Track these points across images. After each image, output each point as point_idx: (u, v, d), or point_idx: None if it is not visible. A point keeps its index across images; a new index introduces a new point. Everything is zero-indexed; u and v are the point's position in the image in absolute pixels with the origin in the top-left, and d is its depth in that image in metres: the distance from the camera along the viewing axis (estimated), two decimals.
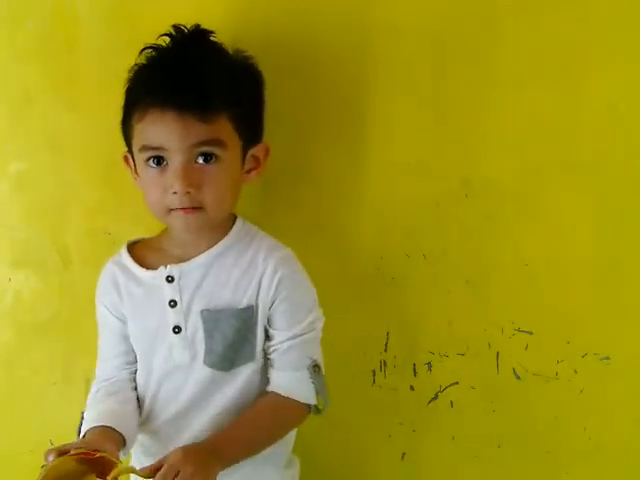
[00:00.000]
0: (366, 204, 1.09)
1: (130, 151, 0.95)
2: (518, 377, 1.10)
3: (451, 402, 1.13)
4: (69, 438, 1.18)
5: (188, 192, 0.88)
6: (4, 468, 1.22)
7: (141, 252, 1.00)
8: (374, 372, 1.13)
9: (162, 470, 0.80)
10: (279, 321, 0.96)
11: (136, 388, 1.00)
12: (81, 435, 0.91)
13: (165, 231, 1.01)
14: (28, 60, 1.10)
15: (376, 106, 1.06)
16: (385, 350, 1.13)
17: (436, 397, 1.13)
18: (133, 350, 0.99)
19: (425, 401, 1.13)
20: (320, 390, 0.97)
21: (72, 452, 0.81)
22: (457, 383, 1.12)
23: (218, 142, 0.89)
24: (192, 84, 0.87)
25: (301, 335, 0.96)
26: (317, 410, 0.97)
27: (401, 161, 1.07)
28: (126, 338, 0.99)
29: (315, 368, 0.97)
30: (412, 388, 1.13)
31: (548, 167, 1.05)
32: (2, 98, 1.12)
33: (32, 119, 1.12)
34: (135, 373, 1.00)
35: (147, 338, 0.97)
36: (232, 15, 1.05)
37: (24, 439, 1.20)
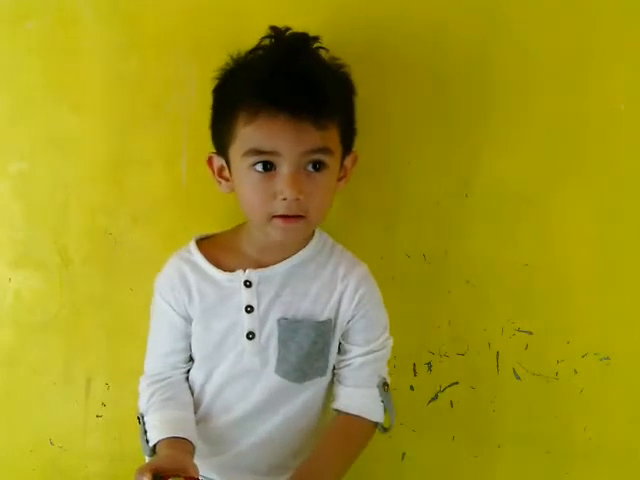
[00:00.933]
0: (366, 204, 1.09)
1: (222, 153, 0.92)
2: (518, 377, 1.11)
3: (451, 402, 1.13)
4: (69, 438, 1.19)
5: (297, 199, 0.86)
6: (4, 468, 1.22)
7: (213, 251, 0.96)
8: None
9: None
10: (356, 336, 0.96)
11: (190, 389, 0.98)
12: (151, 443, 0.90)
13: (242, 231, 0.97)
14: (29, 60, 1.09)
15: (376, 105, 1.06)
16: None
17: (436, 397, 1.13)
18: (190, 349, 0.97)
19: (425, 401, 1.13)
20: (389, 408, 0.97)
21: (171, 476, 0.80)
22: (457, 383, 1.12)
23: (328, 150, 0.87)
24: (308, 89, 0.84)
25: (375, 352, 0.96)
26: (383, 429, 0.98)
27: (401, 161, 1.07)
28: (187, 337, 0.96)
29: (385, 387, 0.97)
30: (412, 388, 1.13)
31: (548, 167, 1.05)
32: (3, 98, 1.11)
33: (33, 119, 1.11)
34: (187, 373, 0.98)
35: (215, 340, 0.95)
36: (232, 15, 1.05)
37: (24, 439, 1.20)
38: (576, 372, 1.09)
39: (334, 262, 0.96)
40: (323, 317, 0.94)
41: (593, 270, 1.07)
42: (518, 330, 1.09)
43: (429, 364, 1.12)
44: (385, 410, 0.97)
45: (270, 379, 0.94)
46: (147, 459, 0.91)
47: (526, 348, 1.10)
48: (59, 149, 1.11)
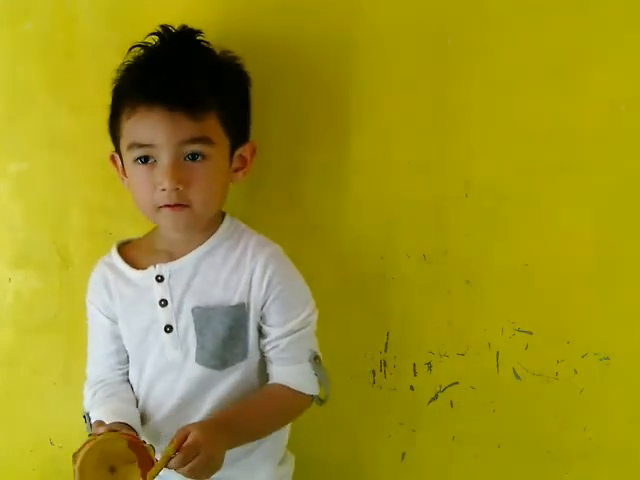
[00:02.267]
0: (366, 204, 1.09)
1: (118, 151, 0.95)
2: (518, 377, 1.11)
3: (451, 402, 1.13)
4: (69, 438, 1.18)
5: (177, 189, 0.88)
6: (4, 468, 1.22)
7: (131, 252, 1.00)
8: (374, 372, 1.13)
9: (181, 455, 0.82)
10: (274, 318, 0.96)
11: (132, 388, 1.00)
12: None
13: (155, 231, 1.01)
14: (28, 60, 1.09)
15: (376, 106, 1.06)
16: (385, 350, 1.13)
17: (436, 397, 1.13)
18: (125, 350, 0.99)
19: (425, 401, 1.13)
20: (322, 381, 0.98)
21: (123, 432, 0.83)
22: (457, 383, 1.12)
23: (207, 140, 0.89)
24: (181, 81, 0.88)
25: (299, 330, 0.96)
26: (320, 400, 0.99)
27: (401, 161, 1.07)
28: (117, 338, 0.99)
29: (316, 360, 0.98)
30: (412, 388, 1.13)
31: (548, 167, 1.05)
32: (2, 98, 1.12)
33: (32, 119, 1.12)
34: (127, 374, 1.00)
35: (138, 338, 0.97)
36: (232, 16, 1.05)
37: (24, 439, 1.20)
38: (576, 372, 1.09)
39: (243, 245, 0.97)
40: (235, 301, 0.94)
41: (593, 270, 1.07)
42: (518, 330, 1.09)
43: (429, 364, 1.12)
44: (320, 383, 0.98)
45: (193, 370, 0.95)
46: None
47: (526, 348, 1.10)
48: (59, 149, 1.11)
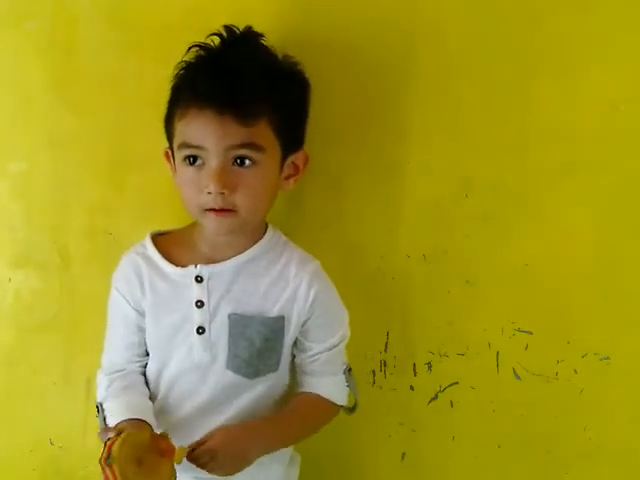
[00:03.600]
0: (366, 204, 1.09)
1: (171, 148, 0.95)
2: (518, 377, 1.10)
3: (451, 402, 1.13)
4: (69, 438, 1.19)
5: (222, 193, 0.88)
6: (4, 468, 1.22)
7: (167, 246, 0.98)
8: (374, 372, 1.13)
9: (197, 451, 0.84)
10: (316, 334, 0.98)
11: (147, 383, 0.99)
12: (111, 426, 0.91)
13: (195, 228, 0.99)
14: (29, 60, 1.10)
15: (376, 106, 1.06)
16: (385, 350, 1.13)
17: (436, 397, 1.13)
18: (145, 343, 0.98)
19: (425, 401, 1.13)
20: (353, 391, 1.02)
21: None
22: (457, 383, 1.12)
23: (255, 146, 0.88)
24: (233, 85, 0.86)
25: (337, 345, 0.99)
26: (349, 410, 1.02)
27: (401, 161, 1.07)
28: (141, 330, 0.98)
29: (349, 372, 1.01)
30: (412, 388, 1.13)
31: (548, 167, 1.05)
32: (3, 98, 1.12)
33: (32, 119, 1.12)
34: (145, 367, 1.00)
35: (166, 334, 0.96)
36: (232, 14, 1.05)
37: (24, 439, 1.21)
38: (576, 372, 1.09)
39: (285, 259, 0.97)
40: (274, 313, 0.95)
41: (593, 270, 1.07)
42: (518, 330, 1.09)
43: (429, 364, 1.12)
44: (350, 392, 1.02)
45: (221, 374, 0.95)
46: None
47: (526, 348, 1.10)
48: (59, 149, 1.12)
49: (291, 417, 0.97)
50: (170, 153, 0.96)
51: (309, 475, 1.10)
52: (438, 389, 1.13)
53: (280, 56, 0.95)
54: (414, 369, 1.13)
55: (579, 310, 1.08)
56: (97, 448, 1.16)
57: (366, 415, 1.14)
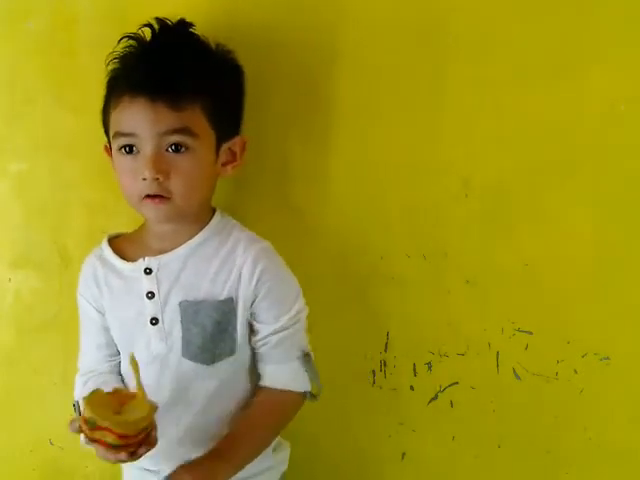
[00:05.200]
0: (366, 204, 1.09)
1: (108, 141, 0.96)
2: (518, 377, 1.10)
3: (451, 402, 1.13)
4: (69, 438, 1.18)
5: (157, 178, 0.89)
6: (4, 468, 1.22)
7: (121, 245, 1.01)
8: (374, 372, 1.13)
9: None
10: (265, 314, 0.96)
11: (123, 380, 1.00)
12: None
13: (145, 224, 1.01)
14: (28, 60, 1.10)
15: (377, 106, 1.06)
16: (385, 350, 1.13)
17: (436, 397, 1.13)
18: (114, 342, 1.00)
19: (425, 401, 1.13)
20: (313, 377, 0.98)
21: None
22: (457, 383, 1.12)
23: (189, 131, 0.89)
24: (164, 72, 0.88)
25: (288, 328, 0.96)
26: (312, 396, 0.99)
27: (401, 161, 1.07)
28: (107, 330, 1.00)
29: (306, 357, 0.98)
30: (412, 388, 1.13)
31: (548, 167, 1.05)
32: (2, 98, 1.12)
33: (32, 119, 1.12)
34: (118, 366, 1.01)
35: (125, 330, 0.98)
36: (235, 15, 1.05)
37: (24, 439, 1.21)
38: (576, 372, 1.09)
39: (233, 240, 0.97)
40: (223, 296, 0.95)
41: (593, 270, 1.07)
42: (518, 330, 1.09)
43: (429, 364, 1.12)
44: (311, 379, 0.98)
45: (179, 364, 0.95)
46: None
47: (526, 348, 1.10)
48: (59, 149, 1.12)
49: (253, 426, 0.95)
50: (109, 147, 0.97)
51: (309, 475, 1.10)
52: (438, 389, 1.13)
53: (213, 45, 0.96)
54: (414, 369, 1.13)
55: (579, 310, 1.08)
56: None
57: (366, 415, 1.15)
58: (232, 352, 0.96)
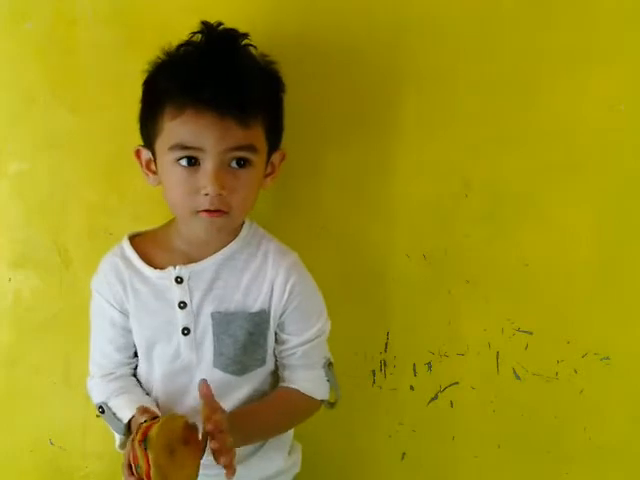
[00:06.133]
0: (367, 204, 1.09)
1: (149, 146, 0.93)
2: (518, 377, 1.11)
3: (451, 402, 1.13)
4: (69, 438, 1.19)
5: (220, 194, 0.87)
6: (4, 468, 1.22)
7: (145, 247, 0.98)
8: (374, 372, 1.13)
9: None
10: (293, 326, 0.97)
11: (139, 382, 0.99)
12: (125, 419, 0.92)
13: (171, 227, 0.99)
14: (28, 60, 1.09)
15: (376, 108, 1.06)
16: (385, 350, 1.13)
17: (436, 397, 1.13)
18: (134, 345, 0.98)
19: (425, 401, 1.13)
20: (334, 386, 1.00)
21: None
22: (457, 383, 1.12)
23: (252, 148, 0.88)
24: (234, 87, 0.85)
25: (315, 338, 0.98)
26: (329, 404, 1.01)
27: (402, 161, 1.07)
28: (128, 332, 0.97)
29: (329, 366, 1.00)
30: (412, 388, 1.13)
31: (548, 167, 1.05)
32: (2, 98, 1.11)
33: (32, 119, 1.11)
34: (135, 369, 1.00)
35: (150, 337, 0.96)
36: (236, 16, 1.05)
37: (24, 439, 1.20)
38: (576, 372, 1.09)
39: (263, 252, 0.97)
40: (256, 308, 0.95)
41: (593, 270, 1.07)
42: (518, 330, 1.09)
43: (429, 364, 1.12)
44: (331, 388, 1.00)
45: (209, 374, 0.94)
46: (118, 441, 0.94)
47: (526, 348, 1.10)
48: (59, 149, 1.11)
49: (268, 410, 0.96)
50: (142, 151, 0.94)
51: (309, 475, 1.10)
52: (438, 389, 1.13)
53: (258, 55, 0.94)
54: (414, 369, 1.13)
55: (579, 310, 1.08)
56: (97, 448, 1.17)
57: (366, 415, 1.15)
58: (263, 363, 0.97)
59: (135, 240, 0.99)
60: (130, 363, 1.00)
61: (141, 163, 0.96)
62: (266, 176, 0.96)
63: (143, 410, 0.87)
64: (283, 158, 0.97)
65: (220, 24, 0.92)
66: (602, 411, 1.10)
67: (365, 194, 1.09)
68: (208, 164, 0.86)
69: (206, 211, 0.88)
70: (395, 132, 1.07)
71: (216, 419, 0.81)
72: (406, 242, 1.09)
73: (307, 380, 0.98)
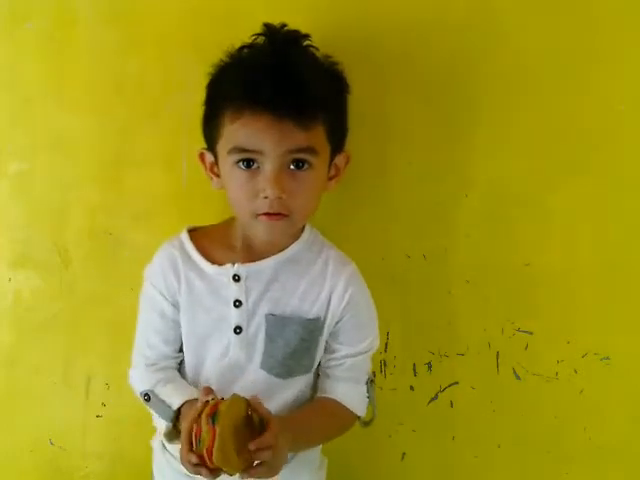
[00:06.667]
0: (366, 204, 1.09)
1: (212, 149, 0.93)
2: (518, 377, 1.11)
3: (451, 402, 1.13)
4: (69, 438, 1.19)
5: (280, 197, 0.86)
6: (4, 468, 1.22)
7: (204, 243, 0.96)
8: (374, 372, 1.13)
9: (264, 439, 0.80)
10: (346, 337, 0.97)
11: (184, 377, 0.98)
12: (175, 406, 0.90)
13: (232, 224, 0.98)
14: (28, 60, 1.09)
15: (377, 107, 1.06)
16: (385, 350, 1.13)
17: (436, 397, 1.13)
18: (181, 339, 0.97)
19: (425, 401, 1.13)
20: (373, 404, 1.00)
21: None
22: (457, 383, 1.12)
23: (313, 150, 0.87)
24: (292, 89, 0.84)
25: (365, 352, 0.98)
26: (364, 423, 1.00)
27: (402, 161, 1.07)
28: (178, 325, 0.96)
29: (371, 383, 1.00)
30: (412, 388, 1.13)
31: (548, 167, 1.05)
32: (2, 98, 1.12)
33: (32, 119, 1.12)
34: (181, 364, 0.98)
35: (202, 332, 0.95)
36: (236, 16, 1.05)
37: (24, 439, 1.20)
38: (576, 372, 1.09)
39: (323, 259, 0.96)
40: (311, 315, 0.94)
41: (593, 270, 1.07)
42: (518, 330, 1.09)
43: (429, 364, 1.12)
44: (369, 404, 1.00)
45: (255, 374, 0.94)
46: (160, 429, 0.93)
47: (526, 348, 1.10)
48: (59, 149, 1.11)
49: (312, 419, 0.95)
50: (208, 155, 0.94)
51: None
52: (438, 389, 1.13)
53: (321, 57, 0.93)
54: (414, 369, 1.13)
55: (579, 310, 1.08)
56: (97, 448, 1.17)
57: (366, 415, 1.14)
58: (309, 369, 0.96)
59: (194, 234, 0.98)
60: (176, 357, 0.98)
61: (205, 166, 0.95)
62: (330, 179, 0.95)
63: (208, 390, 0.85)
64: (348, 160, 0.96)
65: (284, 26, 0.91)
66: (602, 411, 1.10)
67: (365, 194, 1.09)
68: (267, 167, 0.86)
69: (266, 214, 0.87)
70: (395, 132, 1.07)
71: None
72: (406, 242, 1.09)
73: (349, 393, 0.97)
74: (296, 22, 0.92)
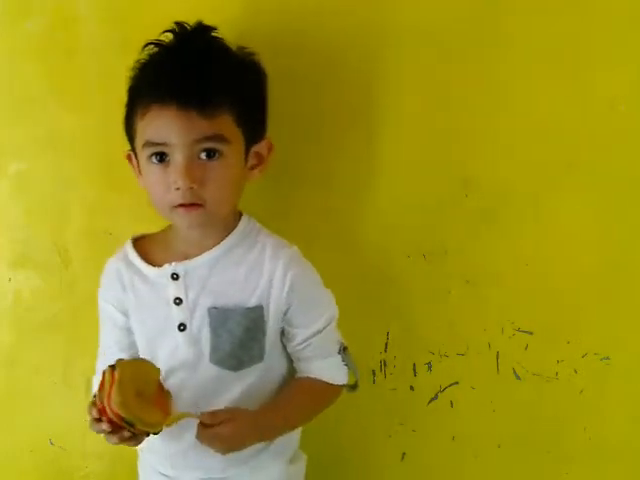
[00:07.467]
0: (366, 204, 1.09)
1: (133, 149, 0.95)
2: (518, 377, 1.11)
3: (451, 402, 1.13)
4: (69, 438, 1.19)
5: (191, 188, 0.87)
6: (4, 468, 1.22)
7: (146, 248, 0.99)
8: (374, 372, 1.13)
9: (210, 414, 0.88)
10: (300, 320, 0.97)
11: None
12: None
13: (170, 227, 1.00)
14: (28, 60, 1.09)
15: (377, 107, 1.06)
16: (385, 350, 1.13)
17: (436, 397, 1.13)
18: (136, 344, 0.99)
19: (425, 401, 1.13)
20: (352, 368, 1.00)
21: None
22: (457, 383, 1.12)
23: (220, 138, 0.88)
24: (193, 79, 0.86)
25: (325, 327, 0.97)
26: (350, 387, 1.01)
27: (402, 161, 1.07)
28: (130, 332, 0.99)
29: (344, 350, 1.00)
30: (412, 388, 1.13)
31: (548, 167, 1.05)
32: (2, 98, 1.12)
33: (32, 119, 1.11)
34: None
35: (150, 334, 0.97)
36: (235, 14, 1.05)
37: (24, 439, 1.20)
38: (576, 372, 1.09)
39: (260, 246, 0.96)
40: (252, 303, 0.94)
41: (593, 270, 1.07)
42: (518, 330, 1.09)
43: (429, 364, 1.12)
44: (349, 370, 1.00)
45: (206, 370, 0.95)
46: None
47: (526, 348, 1.10)
48: (59, 149, 1.11)
49: (289, 403, 0.97)
50: (132, 155, 0.95)
51: (308, 475, 1.10)
52: (438, 389, 1.13)
53: (235, 48, 0.95)
54: (414, 369, 1.13)
55: (579, 310, 1.08)
56: (97, 448, 1.17)
57: (366, 415, 1.15)
58: (260, 359, 0.96)
59: (138, 242, 1.00)
60: None
61: (133, 167, 0.97)
62: (252, 168, 0.96)
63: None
64: (271, 148, 0.97)
65: (199, 22, 0.93)
66: (602, 411, 1.10)
67: (365, 194, 1.09)
68: (177, 158, 0.87)
69: (181, 205, 0.89)
70: (395, 131, 1.07)
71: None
72: (406, 242, 1.09)
73: (324, 368, 0.98)
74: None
